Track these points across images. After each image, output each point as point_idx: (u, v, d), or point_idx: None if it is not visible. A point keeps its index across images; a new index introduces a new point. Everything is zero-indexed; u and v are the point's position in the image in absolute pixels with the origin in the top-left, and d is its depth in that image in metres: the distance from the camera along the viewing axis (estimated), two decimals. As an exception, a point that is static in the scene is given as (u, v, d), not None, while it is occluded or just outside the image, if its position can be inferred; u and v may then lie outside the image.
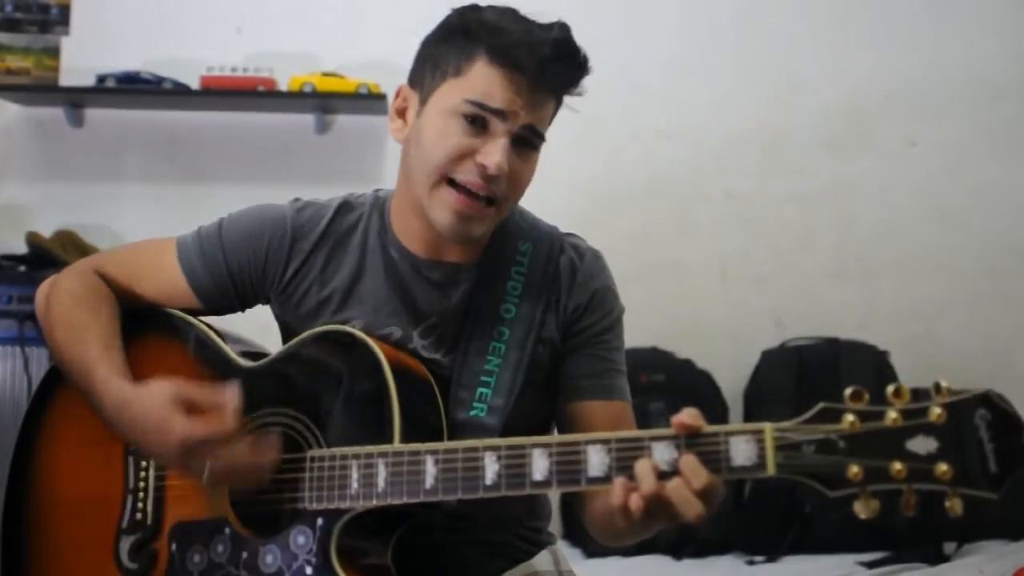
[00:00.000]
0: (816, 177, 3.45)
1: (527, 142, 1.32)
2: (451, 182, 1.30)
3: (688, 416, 1.05)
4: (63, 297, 1.41)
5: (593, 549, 2.89)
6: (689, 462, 1.04)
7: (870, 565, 2.69)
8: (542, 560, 1.48)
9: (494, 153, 1.28)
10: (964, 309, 3.41)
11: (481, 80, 1.29)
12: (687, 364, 3.21)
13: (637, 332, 3.00)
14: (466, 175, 1.29)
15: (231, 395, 1.24)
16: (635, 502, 1.05)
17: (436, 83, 1.33)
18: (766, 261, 3.43)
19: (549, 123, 1.36)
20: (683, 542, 2.89)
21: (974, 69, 3.45)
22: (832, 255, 3.45)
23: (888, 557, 2.73)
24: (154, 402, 1.25)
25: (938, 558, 2.73)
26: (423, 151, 1.32)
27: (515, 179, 1.32)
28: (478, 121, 1.29)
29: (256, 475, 1.26)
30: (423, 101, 1.35)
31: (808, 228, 3.45)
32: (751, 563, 2.81)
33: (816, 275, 3.42)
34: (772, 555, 2.83)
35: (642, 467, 1.06)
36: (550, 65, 1.28)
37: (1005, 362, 3.31)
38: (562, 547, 1.56)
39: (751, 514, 2.95)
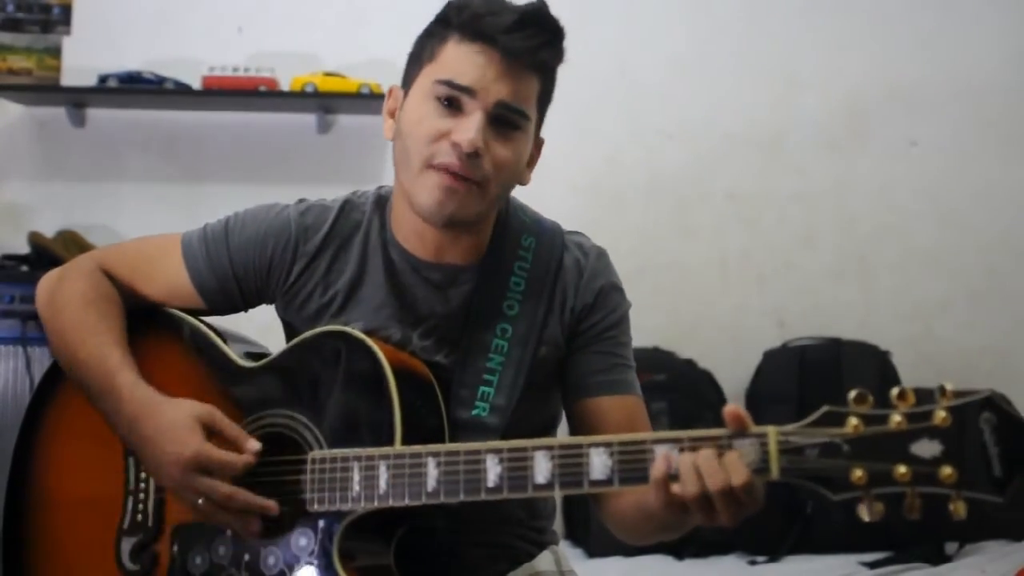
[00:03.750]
0: (816, 177, 3.45)
1: (506, 121, 1.30)
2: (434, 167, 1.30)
3: (742, 410, 1.06)
4: (74, 298, 1.41)
5: (595, 549, 2.90)
6: (732, 459, 1.04)
7: (872, 565, 2.69)
8: (544, 560, 1.47)
9: (466, 130, 1.26)
10: (965, 309, 3.41)
11: (452, 58, 1.29)
12: (689, 364, 3.21)
13: (638, 332, 2.99)
14: (444, 156, 1.27)
15: (253, 443, 1.26)
16: (677, 488, 1.06)
17: (415, 74, 1.34)
18: (767, 261, 3.43)
19: (538, 103, 1.34)
20: (685, 542, 2.89)
21: (974, 69, 3.45)
22: (833, 255, 3.45)
23: (890, 557, 2.73)
24: (181, 414, 1.27)
25: (940, 558, 2.73)
26: (404, 140, 1.32)
27: (498, 160, 1.29)
28: (453, 103, 1.28)
29: (244, 523, 1.26)
30: (406, 95, 1.35)
31: (809, 228, 3.45)
32: (753, 563, 2.82)
33: (817, 275, 3.42)
34: (774, 555, 2.84)
35: (684, 462, 1.06)
36: (516, 32, 1.27)
37: (1006, 362, 3.31)
38: (564, 547, 1.55)
39: (753, 514, 2.94)
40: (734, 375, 3.24)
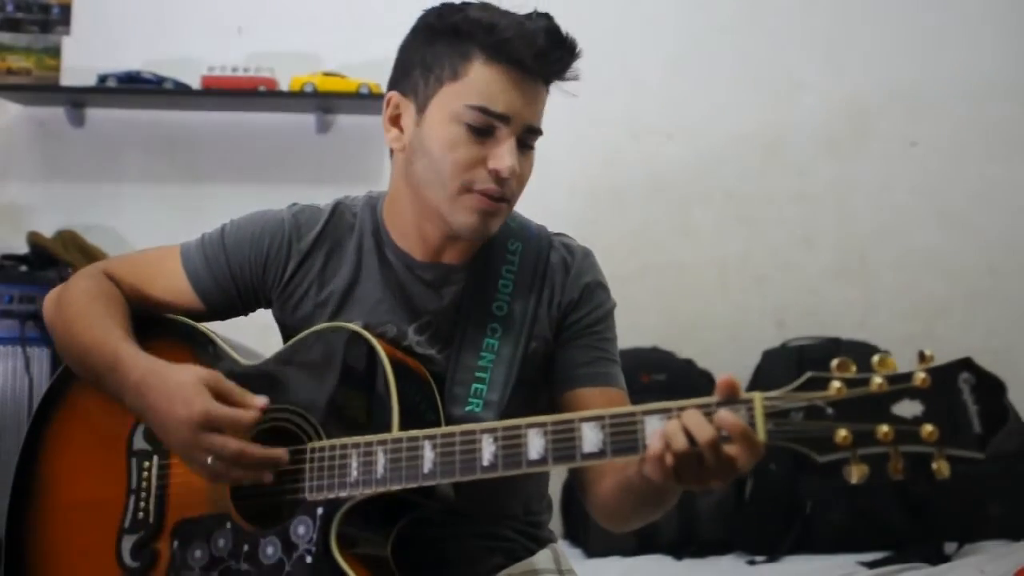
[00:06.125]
0: (816, 177, 3.45)
1: (527, 142, 1.35)
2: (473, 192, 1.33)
3: (736, 379, 1.09)
4: (79, 296, 1.44)
5: (594, 549, 2.89)
6: (722, 414, 1.07)
7: (871, 565, 2.69)
8: (542, 558, 1.48)
9: (504, 157, 1.30)
10: (964, 309, 3.40)
11: (481, 82, 1.30)
12: (688, 364, 3.20)
13: (638, 332, 3.02)
14: (482, 183, 1.31)
15: (259, 399, 1.27)
16: (668, 458, 1.08)
17: (433, 89, 1.33)
18: (766, 261, 3.43)
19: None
20: (684, 542, 2.90)
21: (974, 69, 3.45)
22: (832, 255, 3.45)
23: (889, 557, 2.73)
24: (186, 376, 1.27)
25: (939, 558, 2.73)
26: (433, 162, 1.33)
27: (521, 177, 1.35)
28: (485, 130, 1.30)
29: (257, 474, 1.26)
30: (421, 109, 1.34)
31: (808, 228, 3.45)
32: (752, 563, 2.81)
33: (816, 275, 3.42)
34: (773, 555, 2.83)
35: (671, 425, 1.08)
36: (547, 55, 1.29)
37: (1005, 362, 3.25)
38: (563, 547, 1.56)
39: (752, 514, 2.95)
40: (734, 375, 3.23)
